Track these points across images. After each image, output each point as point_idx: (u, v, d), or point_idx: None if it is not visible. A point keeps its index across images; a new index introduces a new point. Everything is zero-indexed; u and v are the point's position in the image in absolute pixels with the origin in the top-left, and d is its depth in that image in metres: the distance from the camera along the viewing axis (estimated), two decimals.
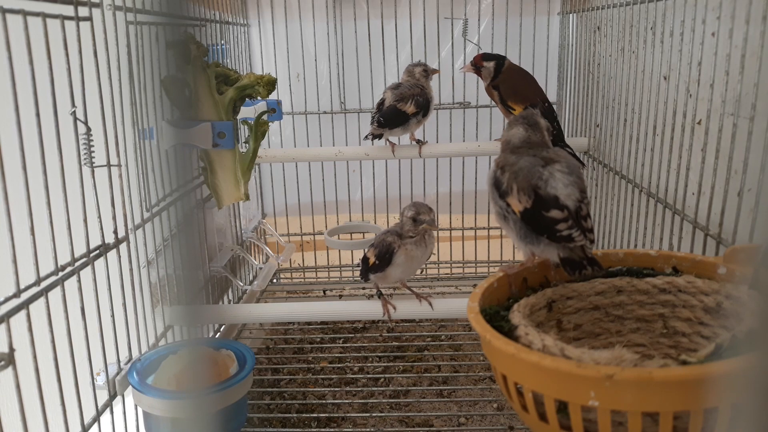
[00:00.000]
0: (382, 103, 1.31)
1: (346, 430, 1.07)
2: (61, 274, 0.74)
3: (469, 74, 1.41)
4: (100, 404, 0.82)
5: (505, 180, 0.75)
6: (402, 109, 1.28)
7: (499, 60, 1.33)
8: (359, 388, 1.19)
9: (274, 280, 1.73)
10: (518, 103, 1.30)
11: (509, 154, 0.79)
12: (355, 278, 1.72)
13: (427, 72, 1.33)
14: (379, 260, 0.96)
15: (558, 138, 1.25)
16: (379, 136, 1.32)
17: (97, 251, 0.82)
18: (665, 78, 1.03)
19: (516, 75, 1.33)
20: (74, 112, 0.77)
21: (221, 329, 1.35)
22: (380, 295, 1.00)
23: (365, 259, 0.99)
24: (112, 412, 0.84)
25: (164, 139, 0.91)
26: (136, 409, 0.90)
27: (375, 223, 1.60)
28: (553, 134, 1.25)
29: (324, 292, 1.67)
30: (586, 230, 0.73)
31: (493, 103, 1.39)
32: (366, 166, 1.74)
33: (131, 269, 0.90)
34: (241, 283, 1.38)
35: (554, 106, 1.64)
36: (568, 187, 0.73)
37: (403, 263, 0.95)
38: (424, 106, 1.30)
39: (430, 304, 0.98)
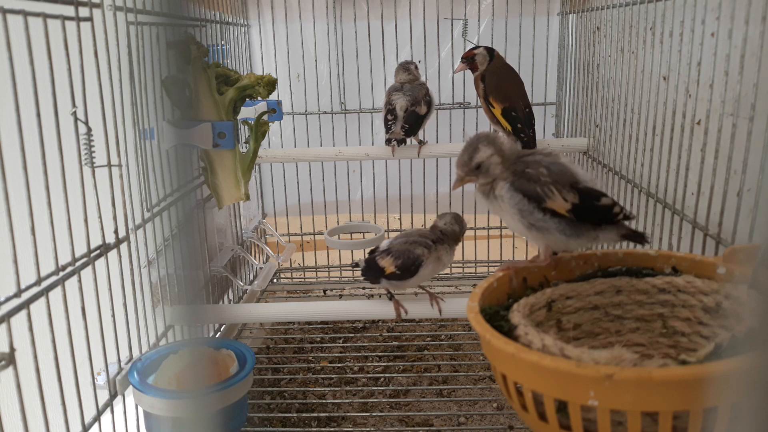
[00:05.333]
0: (393, 108, 1.29)
1: (346, 429, 1.07)
2: (61, 273, 0.74)
3: (469, 75, 1.41)
4: (100, 404, 0.82)
5: (537, 187, 0.73)
6: (420, 113, 1.29)
7: (489, 48, 1.34)
8: (359, 388, 1.19)
9: (275, 280, 1.73)
10: (500, 102, 1.30)
11: (512, 165, 0.76)
12: (356, 278, 1.72)
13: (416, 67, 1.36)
14: (402, 271, 0.94)
15: (529, 145, 1.26)
16: (404, 141, 1.33)
17: (98, 251, 0.82)
18: (665, 78, 1.04)
19: (504, 72, 1.33)
20: (75, 112, 0.77)
21: (221, 329, 1.35)
22: (391, 297, 1.00)
23: (376, 266, 0.96)
24: (112, 412, 0.84)
25: (165, 139, 0.92)
26: (136, 408, 0.90)
27: (375, 223, 1.60)
28: (524, 141, 1.26)
29: (324, 292, 1.67)
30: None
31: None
32: (366, 166, 1.75)
33: (132, 269, 0.90)
34: (242, 283, 1.38)
35: (554, 107, 1.66)
36: (585, 174, 0.75)
37: (429, 274, 0.95)
38: (429, 104, 1.31)
39: (440, 307, 0.98)
